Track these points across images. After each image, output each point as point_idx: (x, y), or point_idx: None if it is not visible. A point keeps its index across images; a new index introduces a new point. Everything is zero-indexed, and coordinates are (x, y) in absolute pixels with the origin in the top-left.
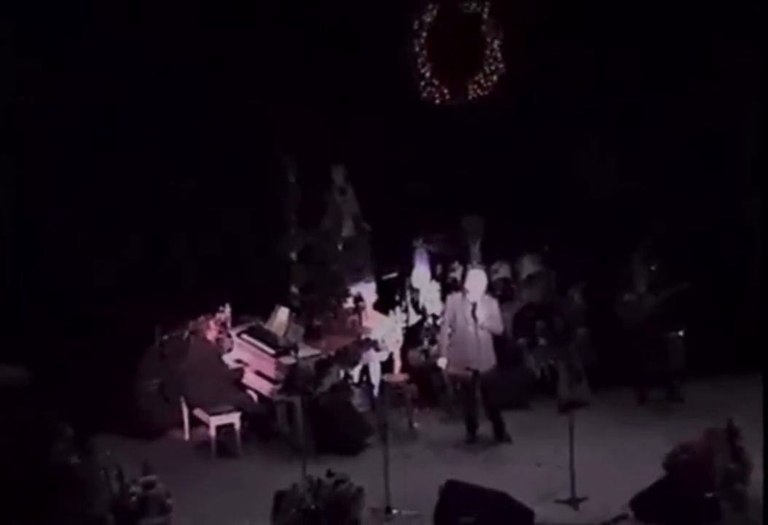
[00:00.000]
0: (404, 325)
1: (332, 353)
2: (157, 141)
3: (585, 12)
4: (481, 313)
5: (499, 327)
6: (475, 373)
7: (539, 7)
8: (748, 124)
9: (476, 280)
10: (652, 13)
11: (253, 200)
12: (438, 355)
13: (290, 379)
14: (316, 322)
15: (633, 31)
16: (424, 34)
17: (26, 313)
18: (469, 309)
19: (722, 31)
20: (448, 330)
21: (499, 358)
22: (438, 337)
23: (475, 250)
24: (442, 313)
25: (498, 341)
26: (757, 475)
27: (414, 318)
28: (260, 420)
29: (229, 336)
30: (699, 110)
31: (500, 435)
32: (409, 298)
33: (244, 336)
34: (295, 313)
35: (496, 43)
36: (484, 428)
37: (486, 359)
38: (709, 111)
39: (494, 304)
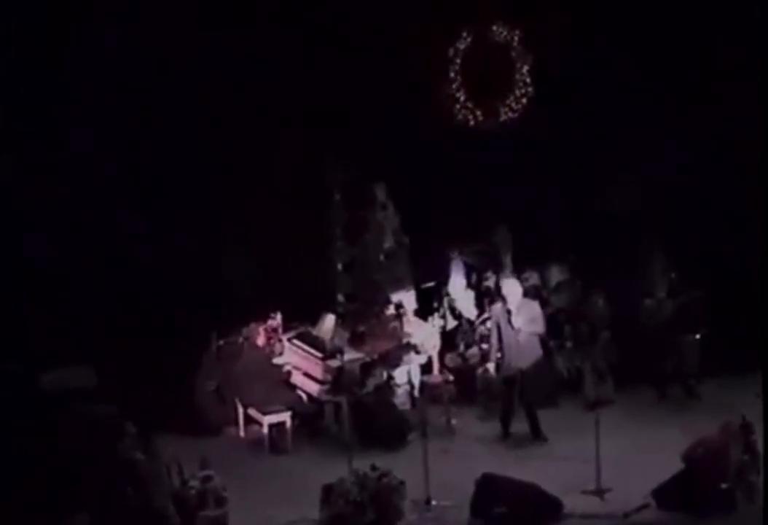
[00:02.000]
0: (442, 330)
1: (375, 356)
2: (216, 156)
3: (605, 39)
4: (520, 318)
5: (540, 328)
6: (519, 372)
7: (564, 35)
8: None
9: (510, 288)
10: (672, 32)
11: (303, 217)
12: (474, 358)
13: (337, 381)
14: (361, 328)
15: (657, 52)
16: (459, 60)
17: (96, 318)
18: (507, 316)
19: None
20: (496, 336)
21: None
22: (474, 338)
23: (507, 260)
24: (477, 317)
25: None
26: None
27: (451, 323)
28: (309, 418)
29: (280, 341)
30: (722, 120)
31: (536, 433)
32: (446, 305)
33: (294, 341)
34: (341, 320)
35: (525, 69)
36: (517, 426)
37: (529, 358)
38: (732, 121)
39: (535, 306)
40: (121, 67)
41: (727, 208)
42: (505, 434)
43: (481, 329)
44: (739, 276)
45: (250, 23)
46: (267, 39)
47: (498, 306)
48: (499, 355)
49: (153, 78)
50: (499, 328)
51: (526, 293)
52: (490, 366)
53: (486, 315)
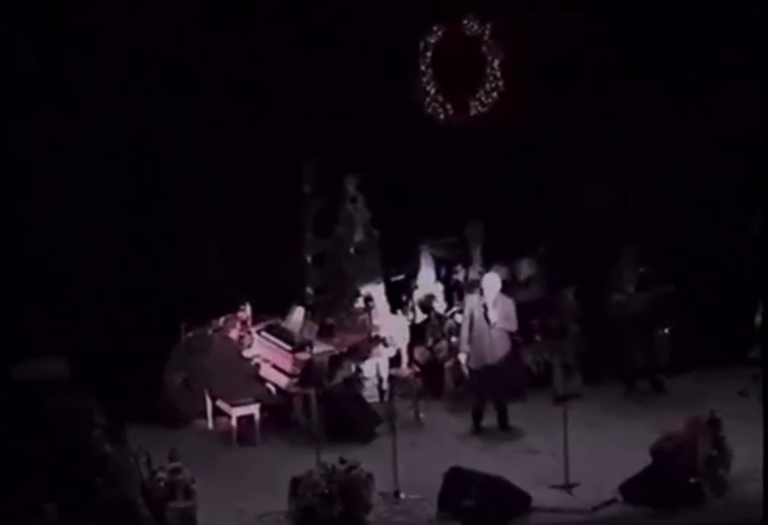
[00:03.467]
0: (410, 323)
1: (344, 349)
2: (179, 149)
3: (581, 33)
4: (495, 313)
5: (513, 325)
6: (488, 367)
7: (536, 28)
8: (738, 129)
9: (490, 282)
10: (653, 34)
11: (273, 208)
12: (442, 351)
13: (306, 373)
14: (330, 321)
15: (630, 50)
16: (429, 54)
17: (66, 309)
18: (483, 309)
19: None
20: (468, 328)
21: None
22: (443, 332)
23: (477, 254)
24: (446, 311)
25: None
26: (737, 463)
27: (420, 316)
28: (278, 411)
29: (250, 333)
30: (689, 117)
31: (504, 426)
32: (414, 298)
33: (263, 333)
34: (311, 312)
35: (496, 63)
36: (487, 420)
37: (500, 354)
38: (698, 118)
39: (509, 303)
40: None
41: (698, 201)
42: (477, 429)
43: (450, 323)
44: (709, 270)
45: (219, 18)
46: (237, 32)
47: (474, 298)
48: (468, 348)
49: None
50: (471, 320)
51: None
52: (462, 357)
53: (456, 308)
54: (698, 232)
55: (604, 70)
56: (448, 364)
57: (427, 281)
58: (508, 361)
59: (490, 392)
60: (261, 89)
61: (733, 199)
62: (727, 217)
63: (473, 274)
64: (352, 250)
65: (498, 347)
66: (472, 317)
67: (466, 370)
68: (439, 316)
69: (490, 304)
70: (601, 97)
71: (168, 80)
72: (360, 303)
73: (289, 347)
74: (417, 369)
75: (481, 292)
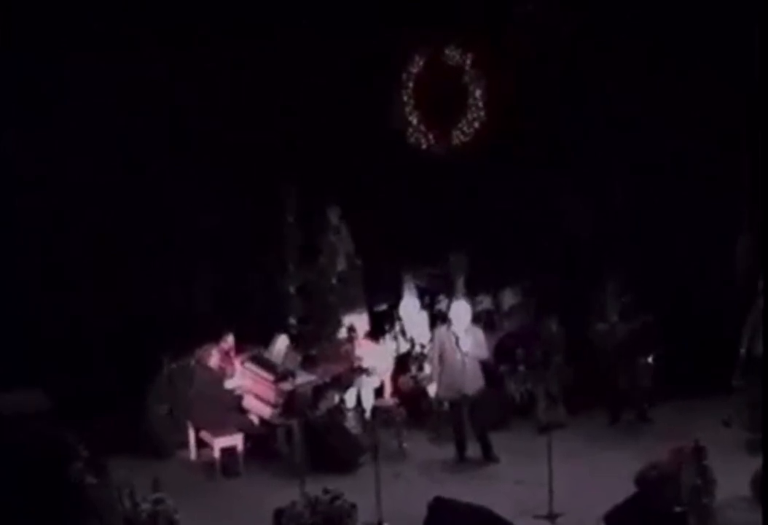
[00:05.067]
0: (394, 353)
1: (327, 379)
2: (158, 177)
3: (564, 61)
4: (467, 342)
5: (484, 354)
6: (464, 396)
7: (518, 57)
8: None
9: (460, 311)
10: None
11: (255, 238)
12: (426, 381)
13: (289, 404)
14: (313, 351)
15: (617, 77)
16: (411, 84)
17: (46, 341)
18: (454, 339)
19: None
20: (437, 358)
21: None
22: (426, 364)
23: (460, 284)
24: (430, 341)
25: (482, 367)
26: (721, 492)
27: (403, 346)
28: (261, 441)
29: (232, 363)
30: (676, 143)
31: (488, 455)
32: (398, 328)
33: (246, 363)
34: (294, 343)
35: (477, 92)
36: (470, 450)
37: (474, 383)
38: (684, 150)
39: (479, 332)
40: None
41: (681, 230)
42: (461, 459)
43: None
44: (692, 299)
45: (192, 43)
46: (214, 60)
47: (443, 329)
48: (438, 379)
49: None
50: (442, 351)
51: (476, 318)
52: (431, 388)
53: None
54: (682, 260)
55: (589, 98)
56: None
57: (411, 311)
58: (484, 391)
59: (468, 423)
60: (242, 118)
61: (718, 226)
62: (712, 244)
63: (442, 305)
64: (334, 280)
65: (471, 377)
66: (442, 348)
67: (435, 401)
68: (422, 346)
69: (462, 333)
70: (585, 124)
71: (142, 114)
72: (343, 333)
73: (272, 377)
74: (400, 399)
75: (449, 322)
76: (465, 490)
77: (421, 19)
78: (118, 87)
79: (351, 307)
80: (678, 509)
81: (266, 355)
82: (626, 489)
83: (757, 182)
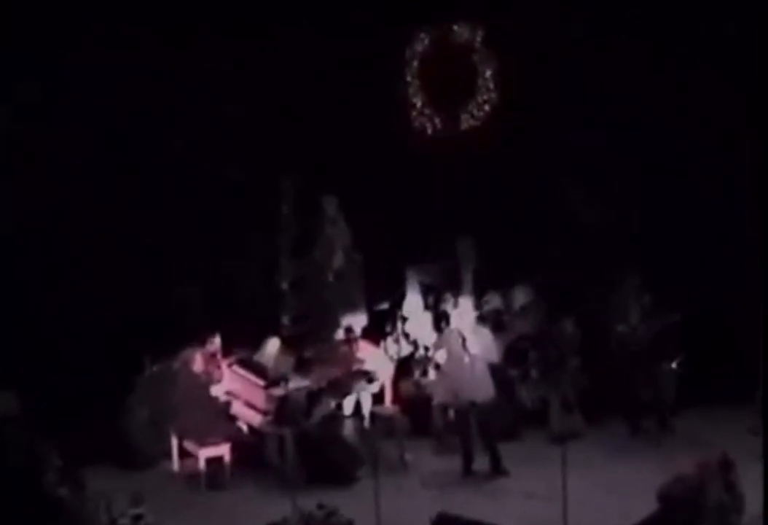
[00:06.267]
0: (396, 356)
1: (323, 384)
2: (145, 168)
3: (579, 38)
4: (473, 345)
5: (493, 357)
6: (471, 404)
7: (533, 35)
8: (743, 155)
9: (463, 312)
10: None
11: (246, 230)
12: (430, 386)
13: (280, 411)
14: (307, 354)
15: (636, 56)
16: (416, 63)
17: (16, 342)
18: (460, 341)
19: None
20: (440, 360)
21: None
22: (430, 368)
23: (468, 277)
24: (434, 343)
25: (492, 372)
26: (752, 507)
27: (405, 349)
28: (250, 451)
29: (219, 367)
30: (693, 140)
31: (497, 467)
32: (400, 328)
33: (234, 367)
34: (286, 344)
35: (488, 73)
36: (478, 462)
37: (483, 390)
38: (702, 142)
39: (487, 334)
40: None
41: (707, 225)
42: (467, 471)
43: (438, 355)
44: (720, 298)
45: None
46: (216, 44)
47: (453, 331)
48: (445, 384)
49: None
50: (447, 354)
51: (484, 318)
52: (437, 395)
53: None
54: (709, 256)
55: (606, 79)
56: (435, 400)
57: (414, 310)
58: (494, 398)
59: (476, 432)
60: (236, 103)
61: (746, 220)
62: (740, 240)
63: (448, 305)
64: (331, 276)
65: (479, 382)
66: (447, 351)
67: (437, 406)
68: (426, 348)
69: (467, 334)
70: (603, 107)
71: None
72: (340, 334)
73: (262, 382)
74: (402, 406)
75: (447, 321)
76: (472, 506)
77: None
78: (117, 87)
79: (349, 305)
80: None
81: (256, 357)
82: (647, 505)
83: None
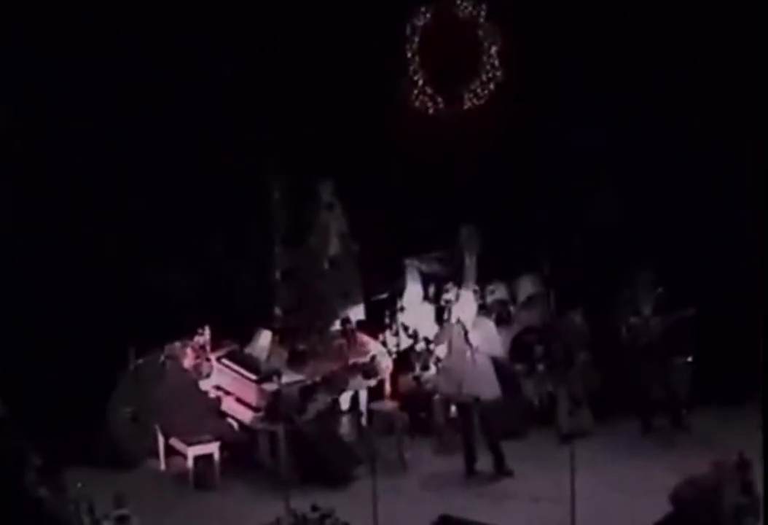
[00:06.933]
0: (395, 349)
1: (318, 379)
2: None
3: (589, 15)
4: (476, 337)
5: (497, 350)
6: (475, 399)
7: (540, 9)
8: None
9: (465, 300)
10: (661, 18)
11: (236, 216)
12: (431, 382)
13: (273, 407)
14: (301, 346)
15: (641, 38)
16: (417, 39)
17: None
18: (462, 333)
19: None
20: (441, 353)
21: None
22: (431, 363)
23: (471, 264)
24: (435, 336)
25: (496, 367)
26: None
27: (405, 342)
28: (241, 450)
29: (208, 360)
30: (704, 131)
31: (500, 468)
32: (399, 320)
33: (224, 361)
34: (279, 337)
35: (493, 49)
36: (481, 462)
37: (486, 385)
38: (714, 134)
39: (490, 325)
40: None
41: (721, 214)
42: (470, 471)
43: (439, 350)
44: (736, 291)
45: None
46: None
47: (454, 323)
48: (445, 378)
49: None
50: (448, 347)
51: (488, 310)
52: (440, 389)
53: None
54: (724, 246)
55: (619, 57)
56: (437, 397)
57: (414, 301)
58: (498, 394)
59: (479, 431)
60: (226, 86)
61: (746, 220)
62: (739, 240)
63: (450, 295)
64: (326, 264)
65: (482, 377)
66: (449, 343)
67: (438, 401)
68: (427, 341)
69: (469, 326)
70: (615, 87)
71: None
72: (336, 326)
73: (253, 377)
74: (401, 402)
75: (449, 313)
76: (474, 508)
77: None
78: (117, 86)
79: (345, 296)
80: None
81: (247, 350)
82: (660, 507)
83: None
